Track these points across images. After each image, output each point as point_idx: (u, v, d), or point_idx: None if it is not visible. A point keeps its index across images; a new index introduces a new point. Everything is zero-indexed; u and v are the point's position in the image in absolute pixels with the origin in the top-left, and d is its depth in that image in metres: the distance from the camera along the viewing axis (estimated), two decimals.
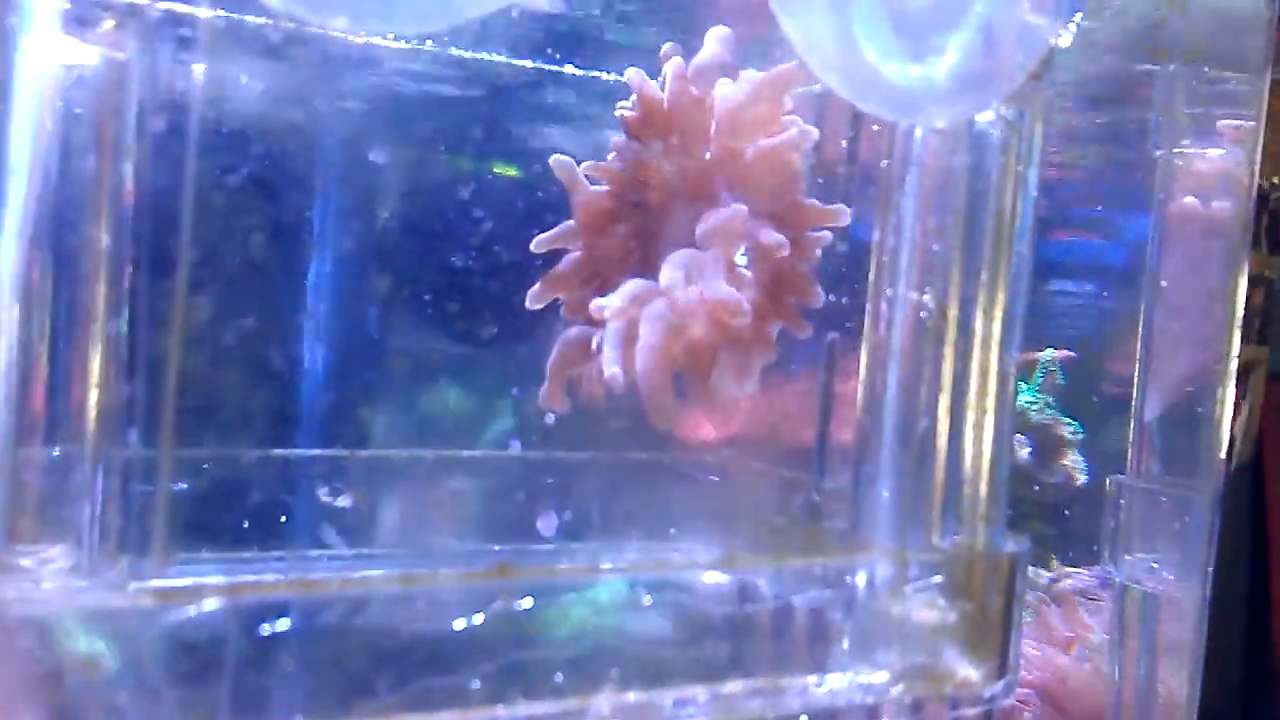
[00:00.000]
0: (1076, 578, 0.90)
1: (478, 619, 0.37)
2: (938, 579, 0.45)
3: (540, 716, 0.39)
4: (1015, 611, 0.47)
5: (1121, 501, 0.71)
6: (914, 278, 0.45)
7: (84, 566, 0.42)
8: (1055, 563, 0.93)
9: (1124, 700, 0.68)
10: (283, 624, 0.35)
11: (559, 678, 0.38)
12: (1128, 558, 0.70)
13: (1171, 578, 0.66)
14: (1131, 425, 0.74)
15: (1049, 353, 1.14)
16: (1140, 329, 0.74)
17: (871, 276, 0.46)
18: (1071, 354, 1.05)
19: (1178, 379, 0.72)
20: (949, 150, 0.45)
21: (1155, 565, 0.70)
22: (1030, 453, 1.11)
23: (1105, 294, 0.98)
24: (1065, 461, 1.05)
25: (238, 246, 0.52)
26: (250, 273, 0.52)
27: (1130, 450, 0.73)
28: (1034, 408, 1.14)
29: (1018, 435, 1.14)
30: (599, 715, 0.39)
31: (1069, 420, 1.07)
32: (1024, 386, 1.18)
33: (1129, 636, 0.69)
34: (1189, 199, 0.73)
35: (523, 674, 0.38)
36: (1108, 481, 0.73)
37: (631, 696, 0.40)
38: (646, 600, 0.40)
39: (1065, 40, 0.46)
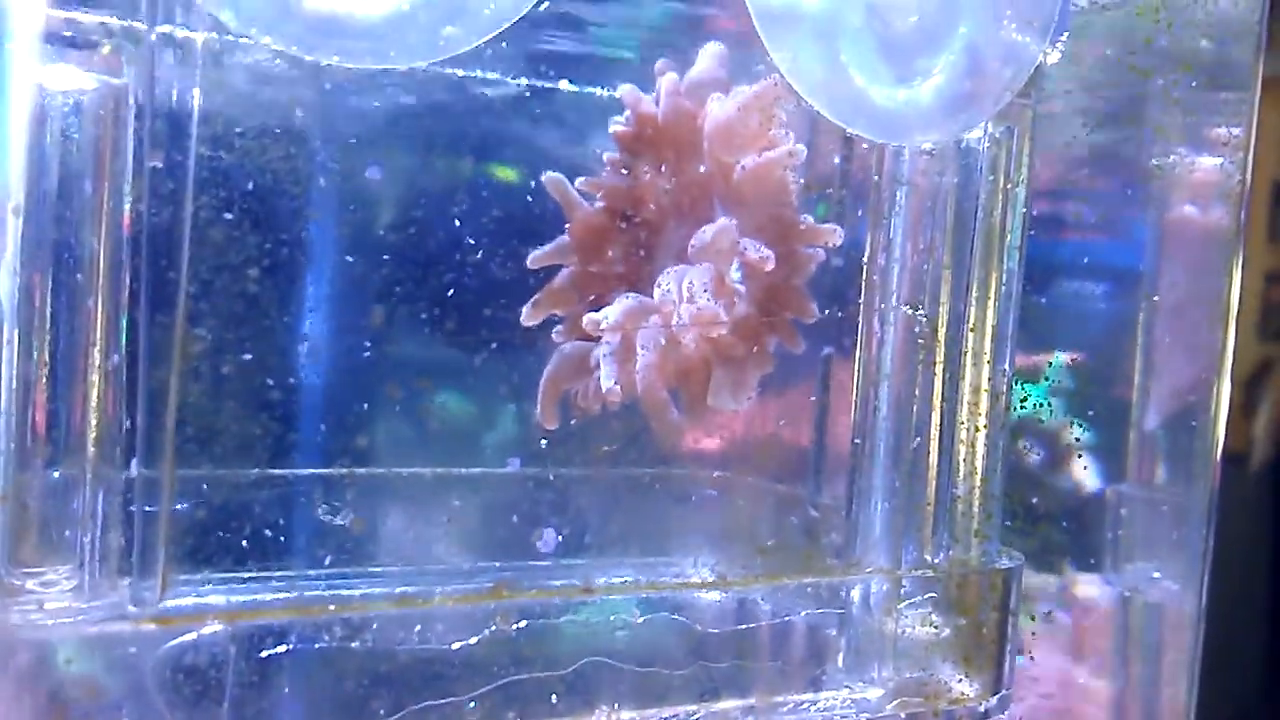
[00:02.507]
0: (1088, 584, 0.90)
1: (473, 641, 0.37)
2: (931, 595, 0.45)
3: None
4: (1011, 627, 0.47)
5: (1122, 511, 0.72)
6: (905, 295, 0.45)
7: (85, 588, 0.43)
8: (1068, 569, 0.92)
9: (1126, 709, 0.68)
10: (281, 648, 0.35)
11: (554, 699, 0.39)
12: (1128, 566, 0.70)
13: (1171, 586, 0.66)
14: (1132, 433, 0.74)
15: (1059, 357, 1.14)
16: (1140, 336, 0.74)
17: (863, 294, 0.46)
18: (1081, 358, 1.05)
19: (1176, 386, 0.72)
20: (938, 170, 0.45)
21: (1156, 574, 0.70)
22: (1040, 457, 1.11)
23: (1117, 297, 0.98)
24: (1075, 466, 1.05)
25: (235, 268, 0.52)
26: (246, 293, 0.52)
27: (1130, 458, 0.74)
28: (1043, 412, 1.14)
29: (1026, 440, 1.14)
30: None
31: (1080, 424, 1.07)
32: (1033, 390, 1.17)
33: (1130, 645, 0.69)
34: (1186, 208, 0.74)
35: (519, 695, 0.39)
36: (1108, 491, 0.73)
37: (626, 716, 0.40)
38: (639, 619, 0.40)
39: (1053, 58, 0.46)
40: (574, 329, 0.61)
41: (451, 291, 0.59)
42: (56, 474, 0.45)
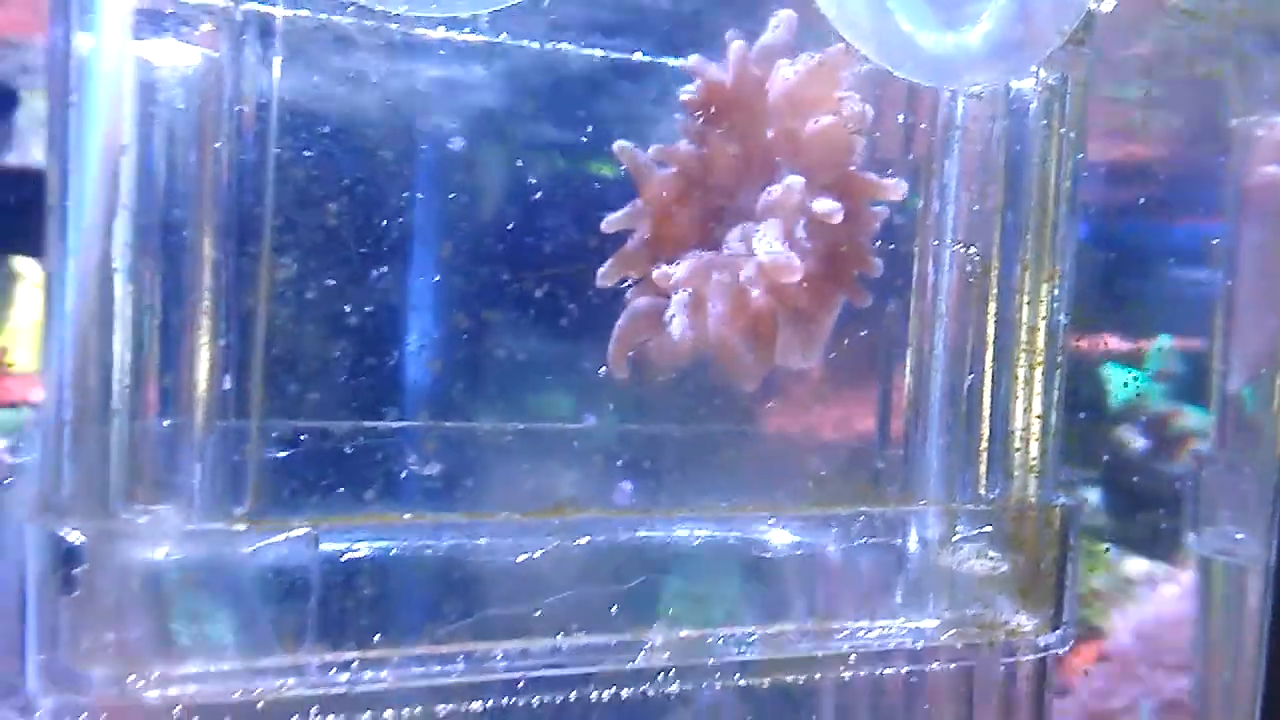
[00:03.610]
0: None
1: (536, 554, 0.40)
2: (987, 530, 0.46)
3: (597, 647, 0.41)
4: (1070, 563, 0.48)
5: (1202, 474, 0.71)
6: (959, 237, 0.46)
7: (192, 522, 0.46)
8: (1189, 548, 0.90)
9: (1209, 667, 0.68)
10: (361, 551, 0.38)
11: (613, 611, 0.41)
12: (1208, 529, 0.69)
13: (1248, 547, 0.66)
14: (1214, 398, 0.73)
15: (1164, 340, 1.11)
16: (1222, 302, 0.74)
17: (917, 238, 0.48)
18: (1186, 341, 1.02)
19: (1258, 351, 0.71)
20: (990, 115, 0.46)
21: (1240, 536, 0.69)
22: (1144, 444, 1.09)
23: (1230, 280, 0.95)
24: (1188, 450, 1.03)
25: (330, 229, 0.56)
26: (341, 254, 0.56)
27: (1213, 422, 0.73)
28: (1149, 396, 1.11)
29: (1129, 425, 1.12)
30: (653, 649, 0.42)
31: (1194, 408, 1.04)
32: (1136, 375, 1.15)
33: (1211, 608, 0.69)
34: (1269, 168, 0.73)
35: (580, 606, 0.41)
36: (1188, 455, 0.73)
37: (684, 633, 0.42)
38: (698, 543, 0.42)
39: (1107, 5, 0.47)
40: (646, 290, 0.63)
41: (531, 256, 0.62)
42: (166, 423, 0.49)
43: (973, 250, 0.45)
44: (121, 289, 0.45)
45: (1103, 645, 1.01)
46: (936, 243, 0.45)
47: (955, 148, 0.47)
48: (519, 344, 0.62)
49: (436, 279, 0.61)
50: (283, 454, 0.56)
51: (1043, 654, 0.47)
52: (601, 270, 0.63)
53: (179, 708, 0.37)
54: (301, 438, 0.58)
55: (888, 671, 0.45)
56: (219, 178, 0.49)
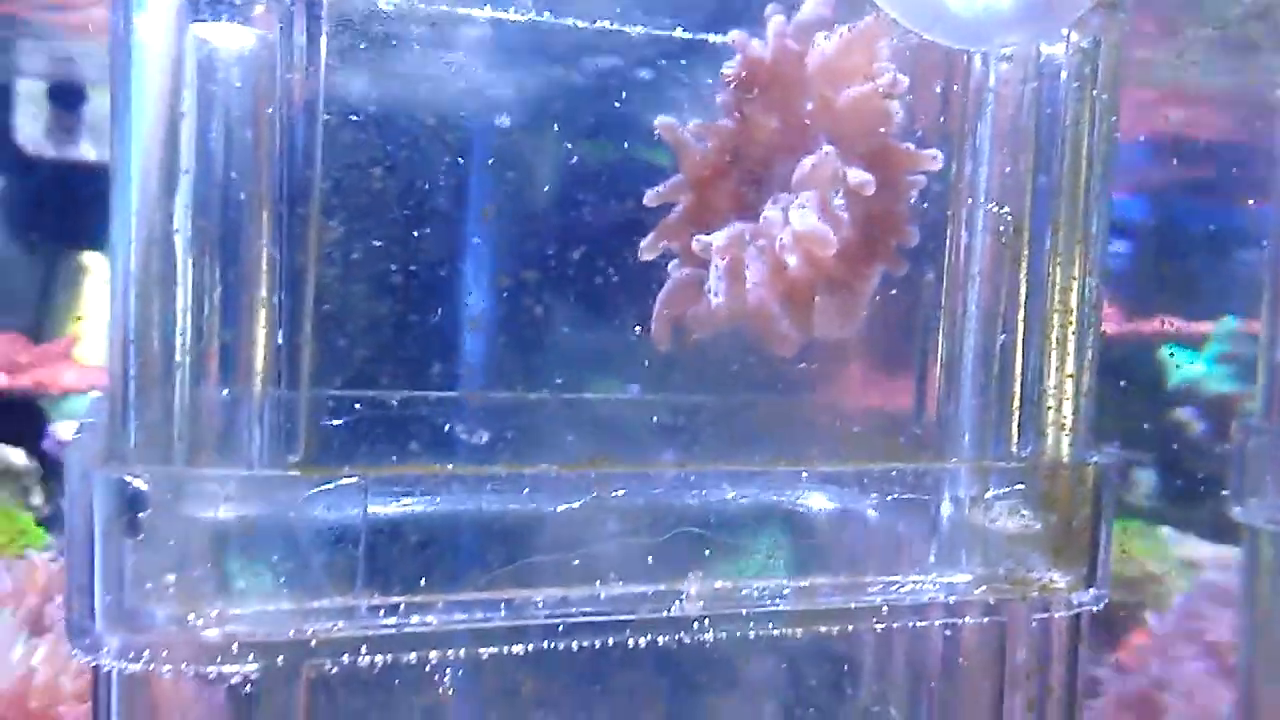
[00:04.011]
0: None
1: (575, 505, 0.41)
2: (1019, 487, 0.47)
3: (634, 596, 0.43)
4: (1103, 523, 0.49)
5: (1248, 444, 0.70)
6: (991, 197, 0.47)
7: (249, 471, 0.48)
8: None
9: (1255, 636, 0.67)
10: (407, 505, 0.40)
11: (649, 560, 0.42)
12: (1254, 499, 0.69)
13: None
14: (1261, 368, 0.73)
15: (1229, 321, 1.10)
16: (1269, 271, 0.73)
17: (951, 204, 0.48)
18: (1250, 323, 1.01)
19: None
20: (1021, 79, 0.47)
21: None
22: (1204, 427, 1.08)
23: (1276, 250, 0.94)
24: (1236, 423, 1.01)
25: (386, 205, 0.58)
26: (386, 220, 0.58)
27: (1260, 392, 0.72)
28: (1209, 379, 1.10)
29: (1187, 409, 1.11)
30: (688, 598, 0.43)
31: (1246, 387, 1.03)
32: (1197, 358, 1.14)
33: (1257, 577, 0.69)
34: None
35: (617, 555, 0.43)
36: (1233, 426, 0.72)
37: (719, 584, 0.44)
38: (731, 494, 0.44)
39: None
40: (687, 261, 0.65)
41: (573, 230, 0.64)
42: (226, 391, 0.51)
43: (1005, 211, 0.45)
44: (182, 250, 0.47)
45: (1157, 625, 1.00)
46: (970, 202, 0.46)
47: (988, 111, 0.48)
48: (562, 316, 0.64)
49: (480, 244, 0.63)
50: (332, 405, 0.58)
51: (1076, 610, 0.48)
52: (643, 242, 0.65)
53: (235, 644, 0.39)
54: (351, 400, 0.60)
55: (920, 625, 0.46)
56: (273, 148, 0.51)
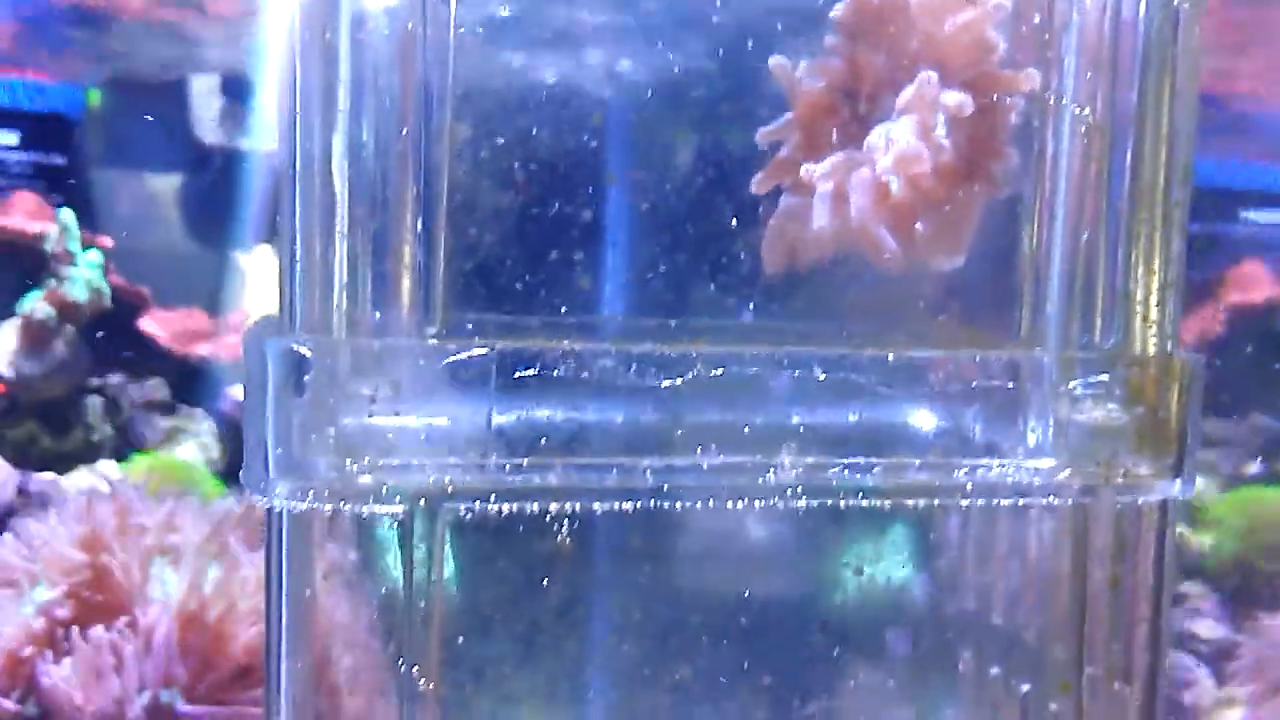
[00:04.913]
0: None
1: (678, 381, 0.46)
2: (1104, 378, 0.49)
3: (733, 466, 0.47)
4: (1190, 414, 0.50)
5: None
6: (1077, 103, 0.49)
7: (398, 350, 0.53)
8: None
9: None
10: (530, 371, 0.45)
11: (746, 430, 0.47)
12: None
13: None
14: None
15: None
16: None
17: (1037, 108, 0.51)
18: None
19: None
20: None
21: None
22: None
23: None
24: None
25: (529, 157, 0.64)
26: (538, 175, 0.64)
27: None
28: None
29: None
30: (781, 469, 0.47)
31: None
32: None
33: None
34: None
35: (716, 429, 0.47)
36: None
37: (810, 459, 0.48)
38: (820, 376, 0.48)
39: None
40: (797, 194, 0.69)
41: (695, 169, 0.69)
42: (378, 314, 0.57)
43: (1087, 112, 0.48)
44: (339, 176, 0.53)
45: None
46: (1054, 103, 0.48)
47: (1073, 19, 0.50)
48: (680, 246, 0.69)
49: (611, 188, 0.68)
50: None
51: (1161, 498, 0.50)
52: (756, 178, 0.69)
53: (384, 488, 0.45)
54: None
55: (1004, 505, 0.49)
56: (416, 94, 0.58)
